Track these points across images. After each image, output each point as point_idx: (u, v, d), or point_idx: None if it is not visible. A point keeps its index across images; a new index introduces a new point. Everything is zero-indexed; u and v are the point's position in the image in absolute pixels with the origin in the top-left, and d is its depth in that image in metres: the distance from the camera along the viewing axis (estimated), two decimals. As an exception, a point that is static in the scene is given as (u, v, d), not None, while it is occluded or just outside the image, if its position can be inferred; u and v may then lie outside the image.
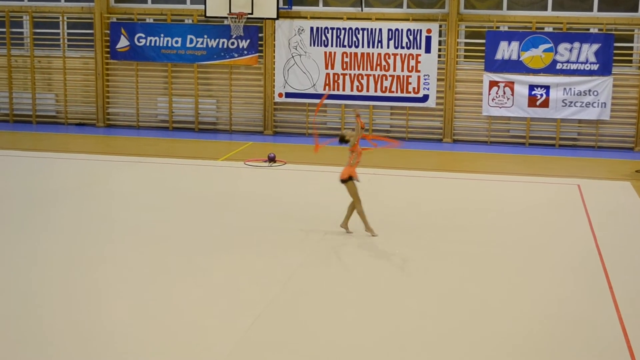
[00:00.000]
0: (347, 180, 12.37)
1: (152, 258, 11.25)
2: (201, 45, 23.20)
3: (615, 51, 21.22)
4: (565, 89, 21.34)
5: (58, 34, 24.16)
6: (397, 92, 22.33)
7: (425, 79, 22.13)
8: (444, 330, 8.84)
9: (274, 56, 22.88)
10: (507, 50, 21.68)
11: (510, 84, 21.67)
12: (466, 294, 10.06)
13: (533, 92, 21.55)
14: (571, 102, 21.37)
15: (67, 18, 24.06)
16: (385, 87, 22.38)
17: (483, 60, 21.92)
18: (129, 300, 9.56)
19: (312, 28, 22.62)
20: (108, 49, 23.71)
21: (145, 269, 10.76)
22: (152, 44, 23.39)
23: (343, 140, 12.58)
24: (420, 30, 22.04)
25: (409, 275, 10.83)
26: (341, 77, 22.63)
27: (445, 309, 9.49)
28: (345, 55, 22.53)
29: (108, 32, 23.62)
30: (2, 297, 9.60)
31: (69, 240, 12.08)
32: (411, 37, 22.12)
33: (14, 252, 11.42)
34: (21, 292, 9.77)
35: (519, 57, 21.60)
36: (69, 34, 24.22)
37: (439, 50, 22.10)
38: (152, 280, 10.28)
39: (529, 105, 21.63)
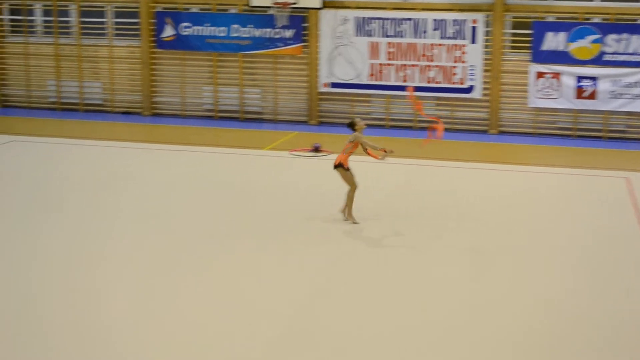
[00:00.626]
0: (338, 166, 12.48)
1: (193, 246, 11.34)
2: (246, 35, 23.25)
3: (664, 42, 20.94)
4: (613, 80, 21.09)
5: (105, 23, 24.35)
6: (442, 82, 22.22)
7: (470, 70, 21.99)
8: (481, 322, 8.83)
9: (319, 46, 22.87)
10: (554, 41, 21.46)
11: (557, 75, 21.46)
12: (502, 287, 10.04)
13: (580, 84, 21.32)
14: (619, 94, 21.11)
15: (114, 7, 24.23)
16: (430, 78, 22.28)
17: (529, 51, 21.71)
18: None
19: (356, 18, 22.57)
20: (154, 38, 23.86)
21: (174, 256, 10.87)
22: (197, 33, 23.49)
23: (351, 126, 12.71)
24: (466, 21, 21.90)
25: (439, 268, 10.82)
26: (386, 67, 22.56)
27: (476, 302, 9.48)
28: (390, 45, 22.45)
29: (154, 21, 23.76)
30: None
31: (94, 228, 12.24)
32: (457, 28, 21.99)
33: (59, 236, 11.60)
34: (67, 276, 9.91)
35: (566, 48, 21.37)
36: (115, 23, 24.40)
37: (485, 40, 21.95)
38: (176, 269, 10.36)
39: (576, 97, 21.41)
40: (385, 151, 12.66)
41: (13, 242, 11.46)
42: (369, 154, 12.95)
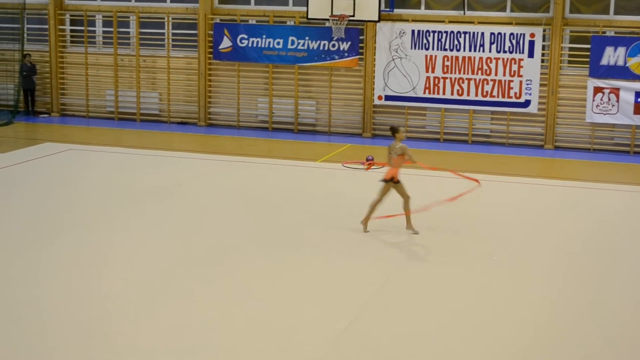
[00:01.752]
0: (390, 181, 12.61)
1: (242, 256, 11.42)
2: (302, 47, 23.34)
3: None
4: (673, 96, 20.75)
5: (163, 34, 24.64)
6: (498, 96, 22.05)
7: (527, 84, 21.79)
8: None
9: (375, 59, 22.85)
10: (612, 55, 21.17)
11: (615, 91, 21.16)
12: (547, 303, 9.92)
13: (639, 99, 20.99)
14: (679, 110, 20.77)
15: (172, 18, 24.51)
16: (486, 92, 22.12)
17: (587, 66, 21.44)
18: (213, 296, 9.71)
19: (413, 31, 22.51)
20: (211, 49, 24.07)
21: (235, 267, 10.94)
22: (254, 45, 23.64)
23: (394, 132, 12.65)
24: (524, 35, 21.72)
25: (489, 280, 10.72)
26: (442, 80, 22.46)
27: (518, 314, 9.38)
28: (446, 58, 22.35)
29: (211, 32, 23.98)
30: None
31: (145, 236, 12.43)
32: (514, 41, 21.82)
33: (102, 243, 11.77)
34: (106, 279, 10.03)
35: (625, 62, 21.07)
36: (173, 34, 24.67)
37: (542, 54, 21.74)
38: (240, 280, 10.42)
39: (635, 113, 21.06)
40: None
41: (68, 246, 11.64)
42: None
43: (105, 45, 25.26)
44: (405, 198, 12.73)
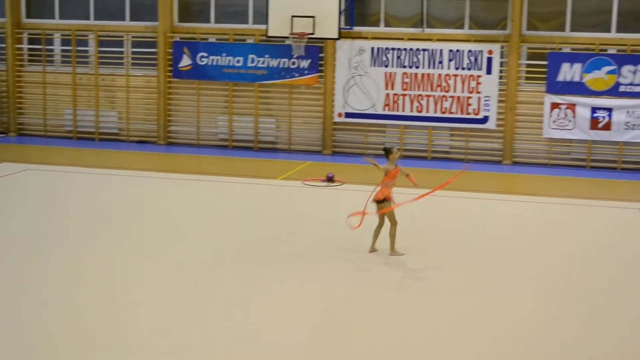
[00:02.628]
0: (382, 201, 12.44)
1: (204, 274, 11.33)
2: (262, 65, 23.37)
3: (680, 74, 20.87)
4: (628, 111, 21.02)
5: (122, 52, 24.55)
6: (457, 113, 22.22)
7: (485, 100, 21.98)
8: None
9: (334, 76, 22.94)
10: (569, 72, 21.43)
11: (572, 106, 21.41)
12: (513, 313, 9.96)
13: (595, 115, 21.26)
14: (634, 125, 21.03)
15: (132, 37, 24.43)
16: (445, 108, 22.28)
17: (545, 82, 21.69)
18: (179, 317, 9.65)
19: (372, 48, 22.64)
20: (171, 68, 24.01)
21: (198, 285, 10.85)
22: (214, 63, 23.63)
23: (387, 152, 12.60)
24: (482, 52, 21.92)
25: (454, 296, 10.76)
26: (401, 97, 22.59)
27: (493, 330, 9.41)
28: (405, 75, 22.49)
29: (171, 51, 23.93)
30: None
31: (113, 255, 12.28)
32: (472, 58, 22.01)
33: (63, 265, 11.62)
34: (66, 301, 9.93)
35: (581, 79, 21.33)
36: (132, 52, 24.58)
37: (500, 71, 21.95)
38: (203, 297, 10.35)
39: (591, 128, 21.34)
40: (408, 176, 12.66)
41: (25, 269, 11.48)
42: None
43: (64, 64, 25.11)
44: (394, 223, 12.64)
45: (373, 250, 12.73)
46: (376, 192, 12.56)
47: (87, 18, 24.83)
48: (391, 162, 12.59)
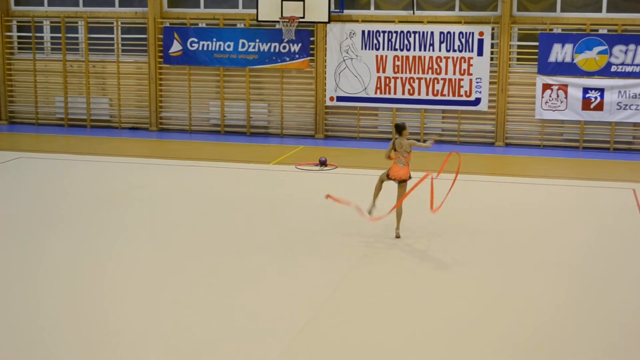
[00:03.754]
0: (405, 180, 12.46)
1: (194, 262, 11.35)
2: (253, 50, 23.30)
3: (671, 53, 20.89)
4: (620, 91, 21.05)
5: (112, 38, 24.46)
6: (448, 95, 22.21)
7: (477, 82, 21.97)
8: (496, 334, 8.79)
9: (326, 60, 22.90)
10: (560, 52, 21.43)
11: (563, 87, 21.43)
12: (514, 297, 10.00)
13: (587, 95, 21.28)
14: (626, 105, 21.06)
15: (121, 23, 24.34)
16: (437, 91, 22.26)
17: (536, 63, 21.69)
18: (162, 306, 9.65)
19: (363, 31, 22.59)
20: (161, 54, 23.93)
21: (192, 270, 10.85)
22: (205, 49, 23.56)
23: (400, 129, 12.61)
24: (473, 33, 21.90)
25: (451, 275, 10.79)
26: (392, 80, 22.56)
27: (487, 312, 9.43)
28: (396, 58, 22.46)
29: (161, 36, 23.85)
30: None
31: (106, 242, 12.29)
32: (463, 40, 21.99)
33: (57, 252, 11.61)
34: (61, 290, 9.92)
35: (572, 59, 21.33)
36: (122, 38, 24.50)
37: (492, 53, 21.93)
38: (197, 283, 10.36)
39: (583, 109, 21.36)
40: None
41: (18, 257, 11.47)
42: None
43: (54, 51, 25.01)
44: (401, 199, 12.67)
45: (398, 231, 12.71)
46: (398, 170, 12.59)
47: (77, 5, 24.71)
48: (404, 137, 12.64)
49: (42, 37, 25.19)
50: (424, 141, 12.76)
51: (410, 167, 12.79)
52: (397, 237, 12.61)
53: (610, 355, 8.37)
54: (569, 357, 8.29)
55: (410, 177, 12.69)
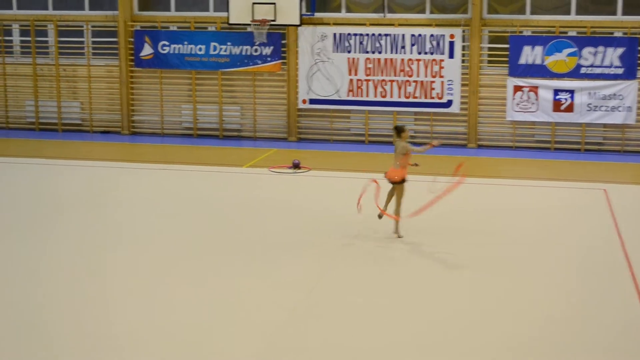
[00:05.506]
0: (401, 182, 12.48)
1: (173, 265, 11.29)
2: (225, 53, 23.27)
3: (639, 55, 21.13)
4: (590, 93, 21.25)
5: (83, 42, 24.32)
6: (420, 97, 22.31)
7: (449, 85, 22.09)
8: (457, 332, 8.83)
9: (297, 62, 22.92)
10: (530, 54, 21.60)
11: (534, 89, 21.60)
12: (486, 297, 10.04)
13: (557, 97, 21.46)
14: (596, 107, 21.27)
15: (92, 26, 24.22)
16: (409, 93, 22.36)
17: (507, 65, 21.85)
18: (140, 305, 9.62)
19: (335, 34, 22.64)
20: (132, 57, 23.84)
21: (167, 276, 10.80)
22: (176, 52, 23.50)
23: (400, 131, 12.65)
24: (444, 36, 22.01)
25: (427, 278, 10.82)
26: (365, 83, 22.63)
27: (461, 312, 9.47)
28: (368, 61, 22.53)
29: (132, 40, 23.75)
30: (10, 302, 9.68)
31: (86, 246, 12.20)
32: (434, 43, 22.09)
33: (29, 258, 11.52)
34: (33, 295, 9.85)
35: (542, 61, 21.51)
36: (93, 42, 24.37)
37: (463, 55, 22.06)
38: (174, 287, 10.32)
39: (554, 110, 21.54)
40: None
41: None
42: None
43: (24, 55, 24.84)
44: (400, 201, 12.71)
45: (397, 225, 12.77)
46: (393, 172, 12.62)
47: (46, 8, 24.55)
48: (403, 140, 12.67)
49: (11, 41, 25.00)
50: (426, 144, 12.73)
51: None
52: (399, 236, 12.72)
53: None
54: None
55: (404, 180, 12.67)
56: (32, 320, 9.12)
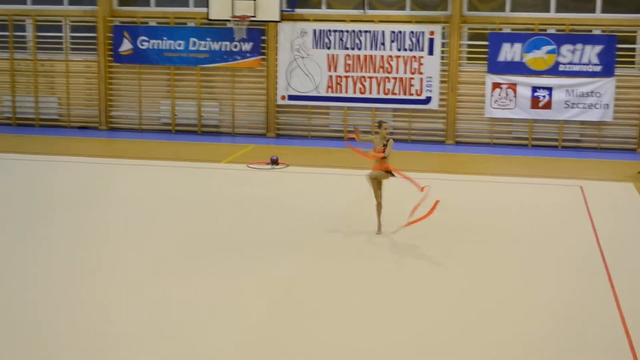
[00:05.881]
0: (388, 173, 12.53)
1: (153, 261, 11.26)
2: (204, 48, 23.21)
3: (617, 52, 21.19)
4: (567, 90, 21.34)
5: (61, 37, 24.19)
6: (399, 94, 22.32)
7: (428, 81, 22.11)
8: (444, 334, 8.84)
9: (277, 59, 22.88)
10: (509, 52, 21.66)
11: (512, 86, 21.66)
12: (468, 294, 10.06)
13: (536, 94, 21.54)
14: (574, 104, 21.36)
15: (70, 21, 24.08)
16: (388, 89, 22.37)
17: (486, 62, 21.90)
18: (131, 304, 9.57)
19: (314, 30, 22.61)
20: (111, 52, 23.73)
21: (147, 272, 10.76)
22: (155, 47, 23.41)
23: (378, 125, 12.65)
24: (423, 32, 22.03)
25: (408, 275, 10.84)
26: (344, 79, 22.62)
27: (447, 311, 9.48)
28: (348, 57, 22.52)
29: (111, 35, 23.64)
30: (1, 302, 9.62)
31: (68, 244, 12.10)
32: (414, 39, 22.11)
33: (14, 257, 11.43)
34: (20, 297, 9.78)
35: (521, 58, 21.58)
36: (72, 37, 24.24)
37: (442, 52, 22.09)
38: (154, 284, 10.28)
39: (532, 107, 21.62)
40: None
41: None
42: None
43: (1, 49, 24.65)
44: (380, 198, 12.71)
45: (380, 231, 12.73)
46: (378, 166, 12.62)
47: (24, 3, 24.38)
48: (380, 135, 12.61)
49: (-11, 36, 24.85)
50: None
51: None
52: (379, 232, 12.71)
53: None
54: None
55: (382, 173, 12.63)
56: (25, 319, 9.08)
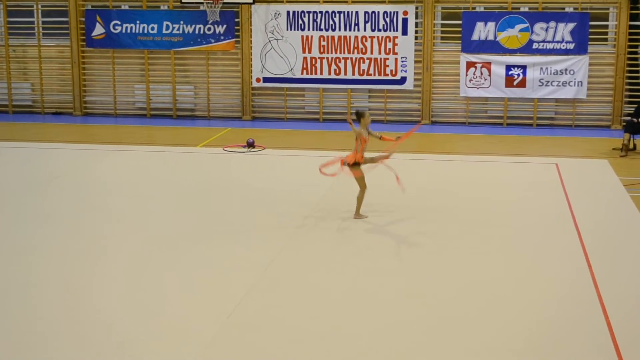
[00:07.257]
0: (354, 165, 12.44)
1: (132, 246, 11.23)
2: (177, 32, 23.09)
3: (590, 30, 21.30)
4: (541, 68, 21.43)
5: (33, 22, 23.98)
6: (374, 74, 22.33)
7: (402, 61, 22.13)
8: (415, 325, 8.89)
9: (251, 41, 22.81)
10: (483, 31, 21.71)
11: (487, 65, 21.73)
12: (440, 277, 10.11)
13: (510, 72, 21.62)
14: (548, 82, 21.47)
15: (42, 6, 23.86)
16: (363, 70, 22.37)
17: (460, 42, 21.94)
18: (112, 289, 9.55)
19: (288, 12, 22.55)
20: (84, 37, 23.55)
21: (127, 258, 10.74)
22: (128, 31, 23.26)
23: (360, 116, 12.58)
24: (397, 12, 22.03)
25: (382, 258, 10.87)
26: (319, 60, 22.60)
27: (419, 297, 9.53)
28: (322, 38, 22.49)
29: (83, 19, 23.46)
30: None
31: (49, 231, 12.03)
32: (388, 20, 22.11)
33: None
34: (5, 286, 9.75)
35: (495, 37, 21.64)
36: (43, 22, 24.03)
37: (416, 32, 22.10)
38: (134, 269, 10.27)
39: (506, 86, 21.71)
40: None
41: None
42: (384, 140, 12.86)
43: (-28, 36, 24.44)
44: (363, 188, 12.62)
45: (358, 216, 12.65)
46: (348, 156, 12.51)
47: (-5, -12, 24.19)
48: (363, 126, 12.56)
49: (-41, 22, 24.59)
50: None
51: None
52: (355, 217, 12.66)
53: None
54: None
55: (356, 164, 12.53)
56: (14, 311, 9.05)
